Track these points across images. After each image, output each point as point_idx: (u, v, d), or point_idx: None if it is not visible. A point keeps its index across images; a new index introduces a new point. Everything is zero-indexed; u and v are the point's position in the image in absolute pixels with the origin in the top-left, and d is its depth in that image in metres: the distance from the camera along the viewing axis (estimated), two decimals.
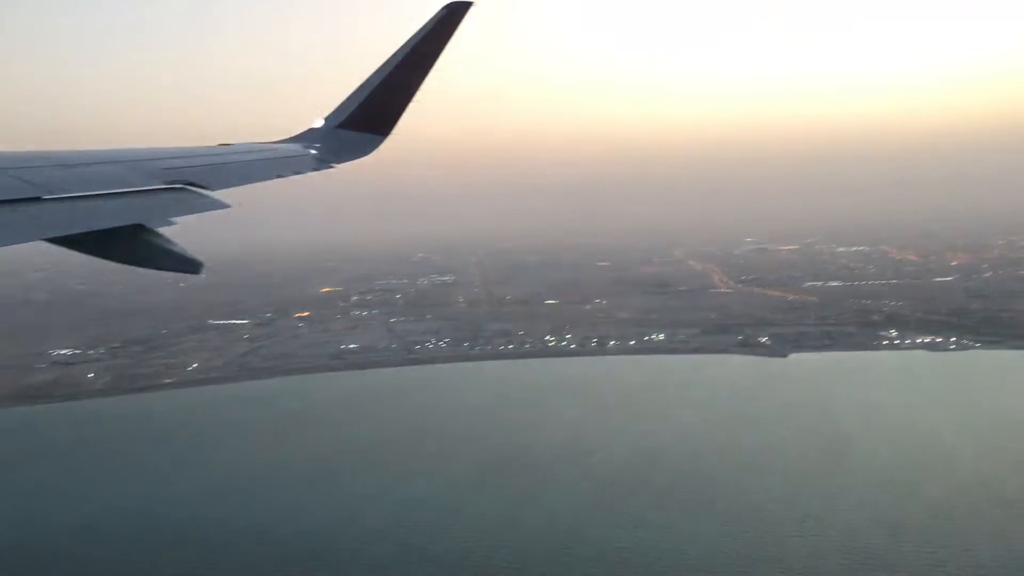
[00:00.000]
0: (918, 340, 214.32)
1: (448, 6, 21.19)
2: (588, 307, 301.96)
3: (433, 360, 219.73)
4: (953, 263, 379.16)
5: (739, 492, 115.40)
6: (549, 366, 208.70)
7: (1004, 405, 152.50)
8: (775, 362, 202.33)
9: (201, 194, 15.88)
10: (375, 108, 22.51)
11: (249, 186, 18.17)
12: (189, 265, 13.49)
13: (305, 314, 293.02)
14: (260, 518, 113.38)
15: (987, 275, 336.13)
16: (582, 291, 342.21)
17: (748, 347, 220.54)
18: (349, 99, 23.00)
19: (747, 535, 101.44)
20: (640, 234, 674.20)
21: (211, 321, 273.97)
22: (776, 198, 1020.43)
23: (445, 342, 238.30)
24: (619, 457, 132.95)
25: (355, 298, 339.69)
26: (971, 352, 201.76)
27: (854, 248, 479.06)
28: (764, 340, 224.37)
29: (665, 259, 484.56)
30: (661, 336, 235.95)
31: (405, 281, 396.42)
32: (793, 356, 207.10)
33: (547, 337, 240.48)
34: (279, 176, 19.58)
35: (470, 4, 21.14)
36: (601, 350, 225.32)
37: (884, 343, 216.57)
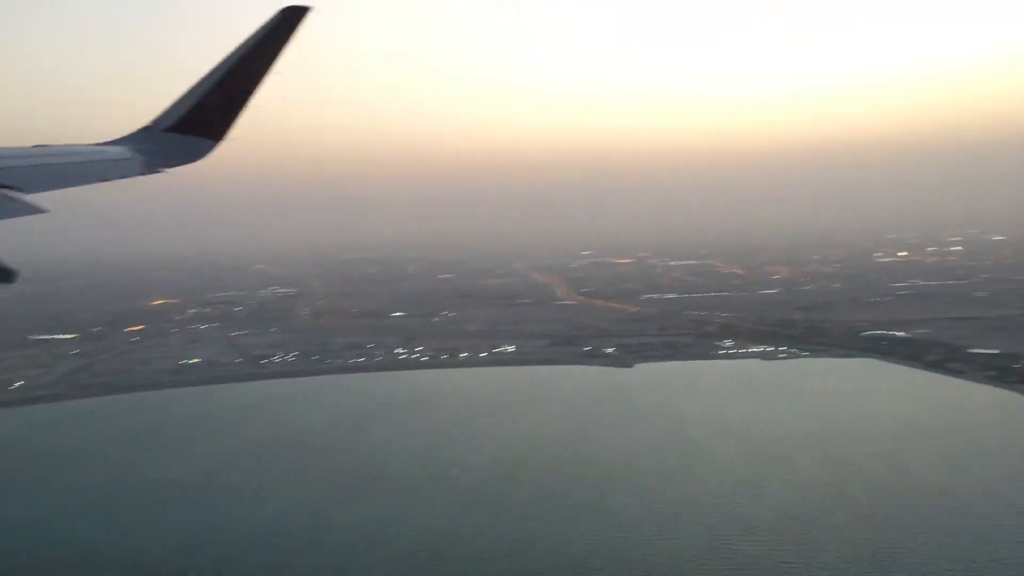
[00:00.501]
0: (752, 349, 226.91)
1: (285, 10, 20.66)
2: (436, 319, 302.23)
3: (281, 374, 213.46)
4: (775, 277, 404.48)
5: (601, 499, 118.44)
6: (403, 379, 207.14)
7: (835, 410, 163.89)
8: (622, 372, 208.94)
9: (13, 198, 14.98)
10: (208, 112, 21.66)
11: (71, 190, 17.38)
12: (1, 274, 12.69)
13: (138, 328, 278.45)
14: (104, 547, 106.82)
15: (807, 288, 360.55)
16: (428, 304, 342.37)
17: (595, 357, 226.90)
18: (180, 101, 21.99)
19: (611, 540, 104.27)
20: (479, 247, 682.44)
21: (32, 336, 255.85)
22: (608, 215, 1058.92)
23: (293, 356, 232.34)
24: (481, 468, 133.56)
25: (192, 311, 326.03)
26: (800, 360, 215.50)
27: (684, 262, 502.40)
28: (610, 351, 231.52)
29: (507, 272, 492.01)
30: (511, 348, 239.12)
31: (244, 293, 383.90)
32: (638, 366, 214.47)
33: (397, 350, 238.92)
34: (102, 180, 18.72)
35: (307, 9, 20.71)
36: (453, 362, 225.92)
37: (721, 352, 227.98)
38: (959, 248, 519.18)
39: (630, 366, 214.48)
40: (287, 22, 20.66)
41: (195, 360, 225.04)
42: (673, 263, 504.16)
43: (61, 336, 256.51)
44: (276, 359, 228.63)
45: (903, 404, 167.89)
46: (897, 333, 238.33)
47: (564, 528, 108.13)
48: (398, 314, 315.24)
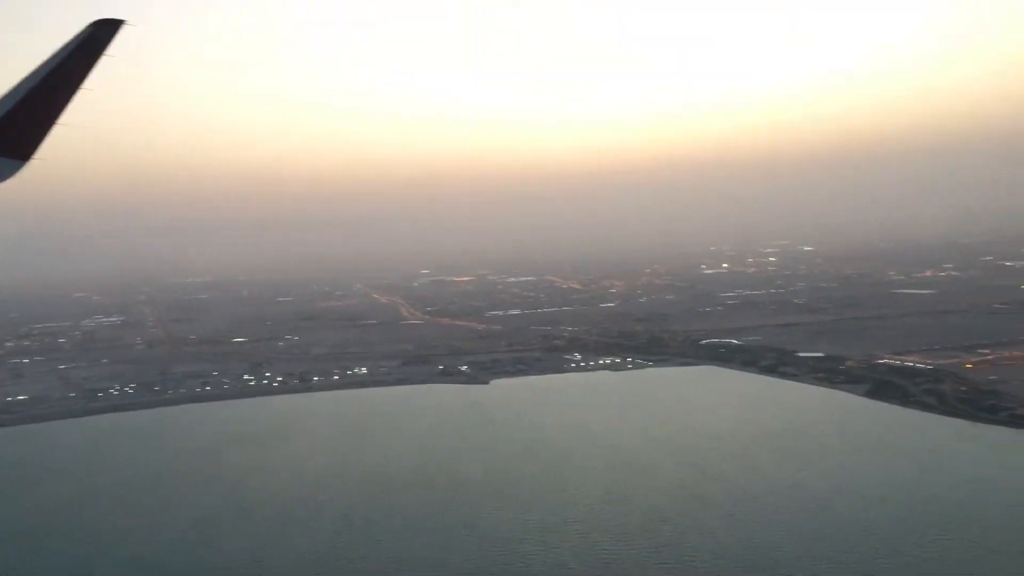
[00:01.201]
0: (600, 361, 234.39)
1: (95, 23, 19.72)
2: (281, 344, 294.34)
3: (122, 407, 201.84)
4: (612, 290, 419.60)
5: (476, 516, 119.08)
6: (256, 405, 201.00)
7: (686, 416, 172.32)
8: (479, 388, 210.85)
9: None
10: (12, 130, 20.25)
11: None
12: None
13: None
14: None
15: (643, 300, 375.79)
16: (270, 328, 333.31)
17: (450, 376, 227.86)
18: None
19: (492, 557, 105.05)
20: (316, 270, 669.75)
21: None
22: (443, 234, 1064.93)
23: (131, 387, 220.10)
24: (351, 492, 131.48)
25: (10, 344, 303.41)
26: (647, 370, 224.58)
27: (524, 279, 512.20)
28: (464, 368, 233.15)
29: (348, 293, 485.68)
30: (363, 369, 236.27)
31: (67, 323, 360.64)
32: (494, 382, 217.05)
33: (245, 376, 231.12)
34: None
35: (121, 23, 19.84)
36: (306, 387, 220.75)
37: (572, 366, 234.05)
38: (774, 259, 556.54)
39: (486, 383, 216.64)
40: (98, 36, 19.74)
41: (22, 396, 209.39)
42: (512, 280, 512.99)
43: None
44: (113, 392, 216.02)
45: (747, 407, 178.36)
46: (732, 341, 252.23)
47: (443, 548, 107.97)
48: (240, 339, 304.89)
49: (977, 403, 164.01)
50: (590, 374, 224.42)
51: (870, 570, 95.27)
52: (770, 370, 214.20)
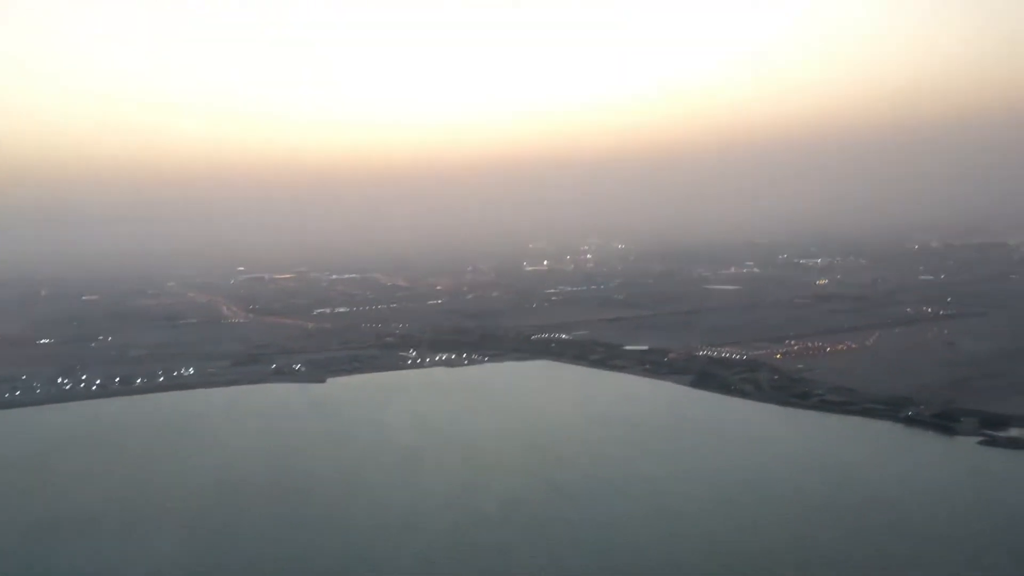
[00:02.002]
0: (437, 358, 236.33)
1: None
2: (94, 345, 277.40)
3: None
4: (438, 287, 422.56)
5: (332, 513, 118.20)
6: (77, 410, 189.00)
7: (527, 408, 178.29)
8: (316, 387, 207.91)
9: None
10: None
11: None
12: None
13: None
14: None
15: (470, 297, 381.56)
16: (79, 328, 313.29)
17: (284, 375, 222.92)
18: None
19: (356, 552, 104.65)
20: (120, 267, 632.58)
21: None
22: (258, 231, 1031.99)
23: None
24: (201, 495, 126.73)
25: None
26: (483, 366, 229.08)
27: (347, 276, 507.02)
28: (298, 367, 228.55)
29: (160, 291, 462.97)
30: (191, 370, 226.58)
31: None
32: (331, 380, 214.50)
33: (60, 380, 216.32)
34: None
35: None
36: (128, 390, 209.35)
37: (408, 363, 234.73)
38: (590, 256, 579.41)
39: (323, 381, 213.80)
40: None
41: None
42: (335, 277, 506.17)
43: None
44: None
45: (584, 399, 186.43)
46: (561, 335, 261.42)
47: (304, 547, 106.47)
48: (46, 341, 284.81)
49: (789, 390, 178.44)
50: (427, 371, 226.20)
51: (707, 544, 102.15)
52: (601, 363, 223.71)
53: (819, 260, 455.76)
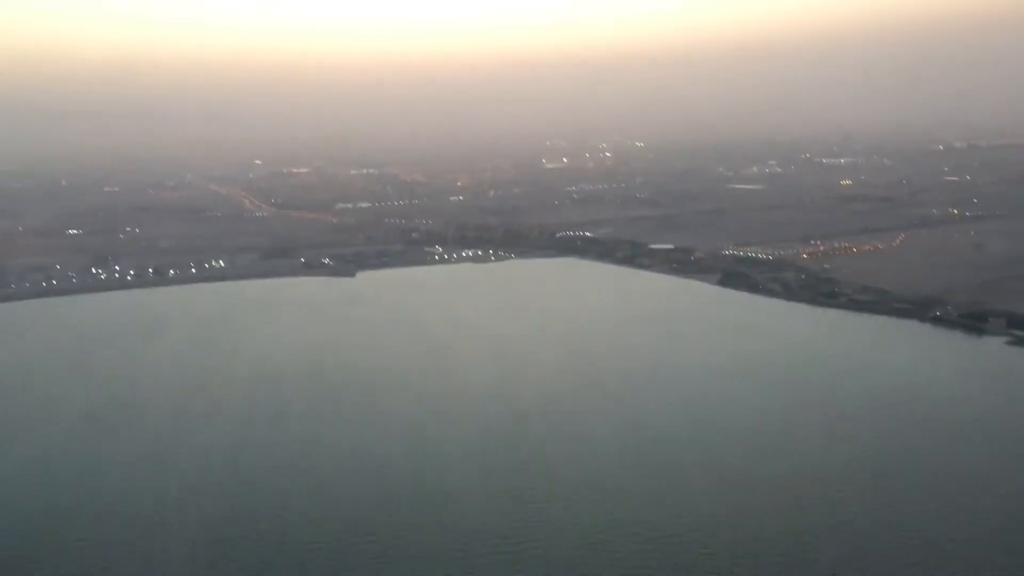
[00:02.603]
0: (463, 254, 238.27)
1: None
2: (122, 236, 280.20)
3: None
4: (458, 184, 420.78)
5: (374, 401, 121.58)
6: (112, 300, 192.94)
7: (557, 305, 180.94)
8: (347, 281, 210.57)
9: None
10: None
11: None
12: None
13: None
14: None
15: (491, 194, 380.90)
16: (104, 219, 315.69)
17: (314, 269, 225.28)
18: None
19: (395, 436, 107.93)
20: (138, 158, 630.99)
21: None
22: (272, 124, 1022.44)
23: None
24: (247, 383, 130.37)
25: None
26: (510, 262, 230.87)
27: (365, 171, 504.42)
28: (327, 261, 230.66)
29: (180, 184, 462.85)
30: (221, 263, 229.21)
31: None
32: (361, 275, 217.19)
33: (94, 270, 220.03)
34: None
35: None
36: (163, 280, 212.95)
37: (435, 258, 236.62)
38: (610, 154, 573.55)
39: (352, 275, 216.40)
40: None
41: None
42: (354, 172, 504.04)
43: None
44: None
45: (614, 297, 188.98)
46: (586, 233, 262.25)
47: (351, 436, 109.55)
48: (74, 232, 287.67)
49: (817, 289, 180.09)
50: (454, 266, 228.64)
51: (737, 431, 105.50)
52: (627, 261, 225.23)
53: (842, 160, 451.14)
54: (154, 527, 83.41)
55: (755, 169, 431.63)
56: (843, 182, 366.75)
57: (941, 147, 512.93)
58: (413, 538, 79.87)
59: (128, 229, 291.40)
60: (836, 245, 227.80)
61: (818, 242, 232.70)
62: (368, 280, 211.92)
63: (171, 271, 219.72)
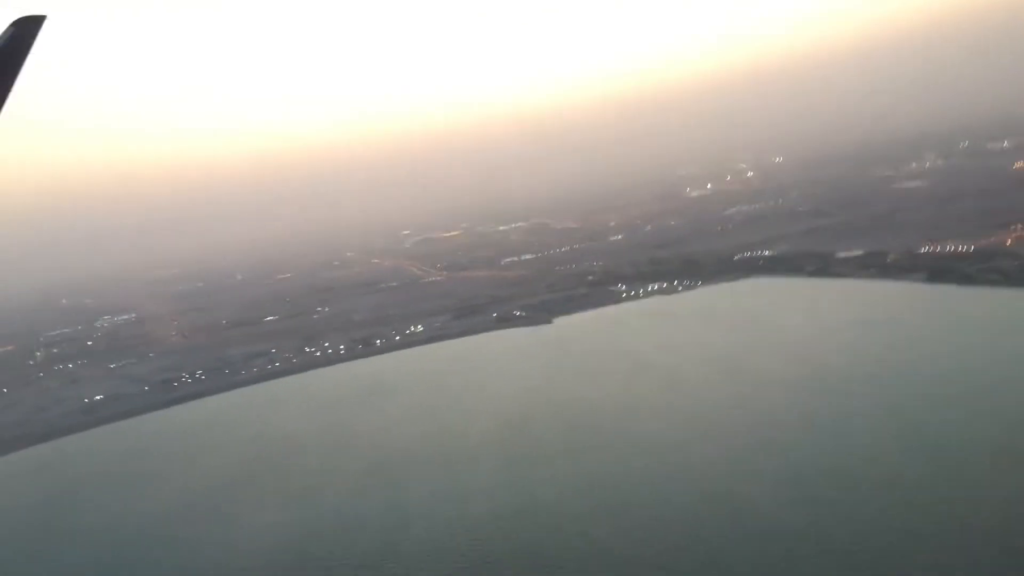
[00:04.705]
0: (649, 288, 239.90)
1: (16, 23, 18.58)
2: (316, 316, 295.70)
3: (202, 394, 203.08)
4: (611, 224, 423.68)
5: (623, 431, 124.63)
6: (338, 373, 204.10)
7: (769, 325, 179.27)
8: (548, 328, 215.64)
9: None
10: None
11: None
12: None
13: None
14: None
15: (647, 229, 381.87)
16: (293, 303, 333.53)
17: (509, 321, 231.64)
18: None
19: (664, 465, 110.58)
20: (289, 246, 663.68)
21: None
22: (388, 199, 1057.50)
23: (200, 375, 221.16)
24: (501, 428, 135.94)
25: (39, 353, 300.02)
26: (698, 290, 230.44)
27: (513, 225, 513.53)
28: (518, 313, 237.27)
29: (344, 262, 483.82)
30: (419, 327, 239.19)
31: (79, 327, 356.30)
32: (557, 320, 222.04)
33: (307, 348, 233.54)
34: None
35: (43, 18, 18.67)
36: (374, 350, 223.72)
37: (623, 296, 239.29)
38: (752, 174, 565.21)
39: (550, 322, 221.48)
40: (21, 35, 18.54)
41: (99, 396, 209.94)
42: (503, 228, 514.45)
43: None
44: (186, 380, 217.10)
45: (825, 309, 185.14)
46: (764, 252, 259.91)
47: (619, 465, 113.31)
48: (271, 318, 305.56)
49: None
50: (645, 301, 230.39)
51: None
52: (819, 272, 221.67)
53: (1004, 143, 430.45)
54: None
55: (915, 165, 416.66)
56: (1016, 165, 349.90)
57: None
58: None
59: (318, 309, 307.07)
60: None
61: (1017, 226, 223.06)
62: (567, 324, 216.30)
63: (377, 341, 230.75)
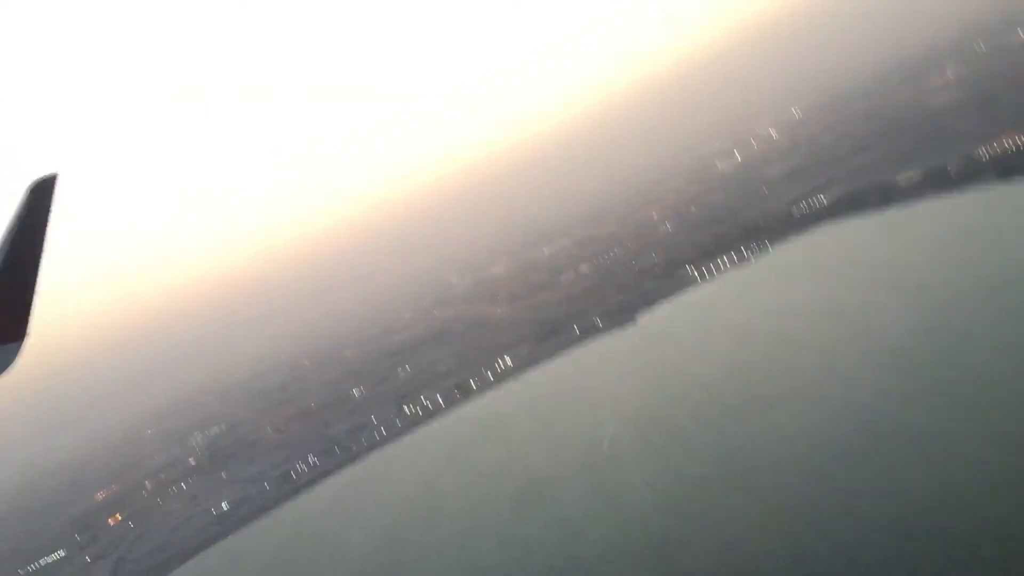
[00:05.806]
0: (719, 261, 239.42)
1: (32, 187, 19.07)
2: (401, 378, 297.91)
3: (323, 477, 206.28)
4: (654, 216, 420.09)
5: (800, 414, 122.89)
6: (454, 429, 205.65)
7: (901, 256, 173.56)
8: (634, 328, 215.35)
9: None
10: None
11: None
12: None
13: (118, 516, 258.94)
14: None
15: (692, 210, 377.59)
16: (372, 373, 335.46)
17: (592, 332, 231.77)
18: None
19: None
20: (342, 322, 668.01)
21: (25, 571, 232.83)
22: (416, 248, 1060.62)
23: (314, 461, 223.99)
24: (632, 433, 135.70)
25: (148, 482, 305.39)
26: (769, 254, 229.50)
27: (557, 243, 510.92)
28: (599, 322, 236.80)
29: (406, 323, 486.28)
30: (508, 360, 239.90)
31: (177, 451, 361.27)
32: (640, 318, 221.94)
33: (405, 408, 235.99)
34: None
35: (55, 176, 19.07)
36: (472, 394, 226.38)
37: (696, 279, 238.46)
38: (775, 133, 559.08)
39: (634, 321, 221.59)
40: (39, 197, 19.19)
41: (225, 505, 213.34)
42: (547, 250, 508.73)
43: (53, 557, 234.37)
44: (302, 469, 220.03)
45: (932, 234, 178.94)
46: (820, 199, 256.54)
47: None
48: (357, 391, 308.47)
49: None
50: (728, 275, 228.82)
51: None
52: (886, 203, 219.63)
53: (1021, 33, 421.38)
54: None
55: (937, 78, 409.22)
56: None
57: None
58: None
59: (399, 371, 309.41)
60: None
61: None
62: (655, 319, 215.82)
63: (472, 382, 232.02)
